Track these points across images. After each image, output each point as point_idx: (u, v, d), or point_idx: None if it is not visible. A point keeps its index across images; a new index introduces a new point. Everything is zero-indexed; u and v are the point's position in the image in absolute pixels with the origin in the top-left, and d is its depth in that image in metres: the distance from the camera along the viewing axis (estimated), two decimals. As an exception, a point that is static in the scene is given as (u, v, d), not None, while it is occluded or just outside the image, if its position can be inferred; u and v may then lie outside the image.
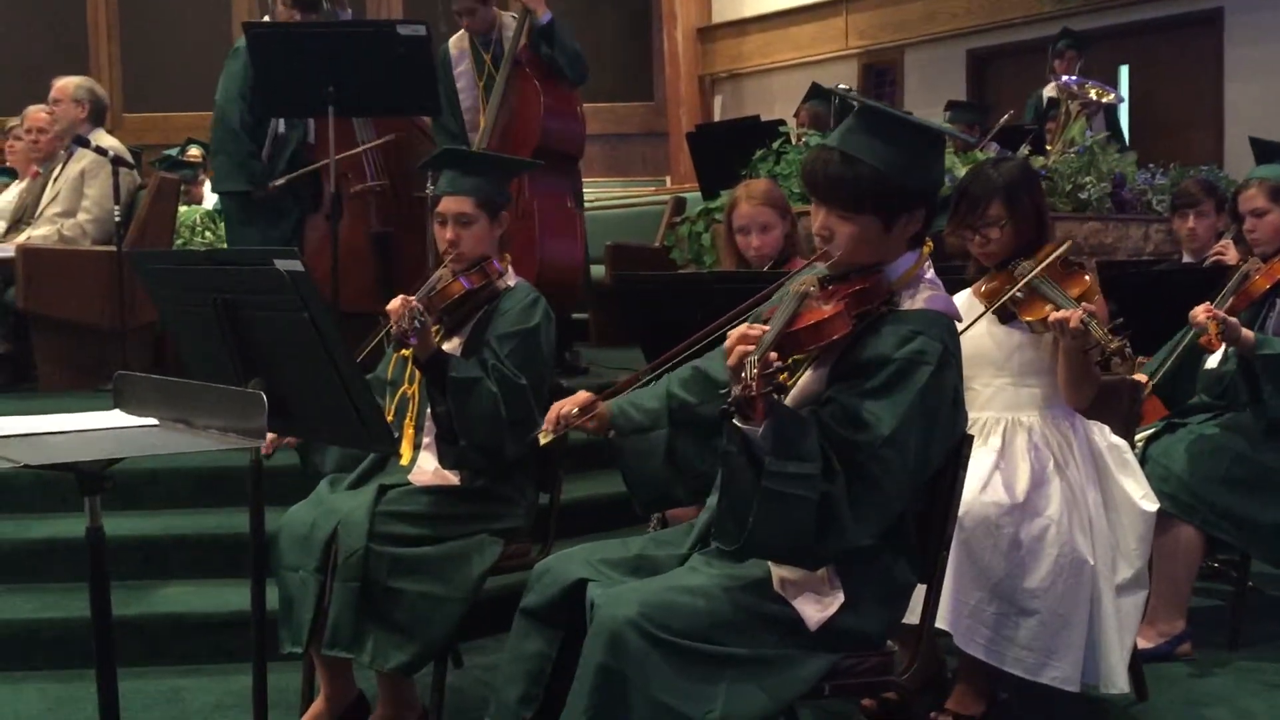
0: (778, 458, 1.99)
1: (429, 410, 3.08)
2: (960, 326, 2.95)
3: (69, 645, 3.52)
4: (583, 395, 2.47)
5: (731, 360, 1.99)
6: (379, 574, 2.90)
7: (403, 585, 2.91)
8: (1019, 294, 2.93)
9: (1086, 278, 2.96)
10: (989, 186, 2.96)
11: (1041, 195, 3.10)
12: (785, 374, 2.03)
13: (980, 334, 2.98)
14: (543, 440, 2.46)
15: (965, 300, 3.05)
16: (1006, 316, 2.98)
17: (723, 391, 2.01)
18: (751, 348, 1.97)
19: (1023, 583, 2.78)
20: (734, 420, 1.98)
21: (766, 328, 2.04)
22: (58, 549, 3.82)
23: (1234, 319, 3.33)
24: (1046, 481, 2.87)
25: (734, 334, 2.02)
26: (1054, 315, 2.83)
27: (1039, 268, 2.93)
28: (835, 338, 2.11)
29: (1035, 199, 3.03)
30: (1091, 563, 2.83)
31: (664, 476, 2.46)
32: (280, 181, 5.04)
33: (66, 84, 5.73)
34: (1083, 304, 2.85)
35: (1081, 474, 2.91)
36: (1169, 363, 3.52)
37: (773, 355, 1.96)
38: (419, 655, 2.90)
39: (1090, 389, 2.95)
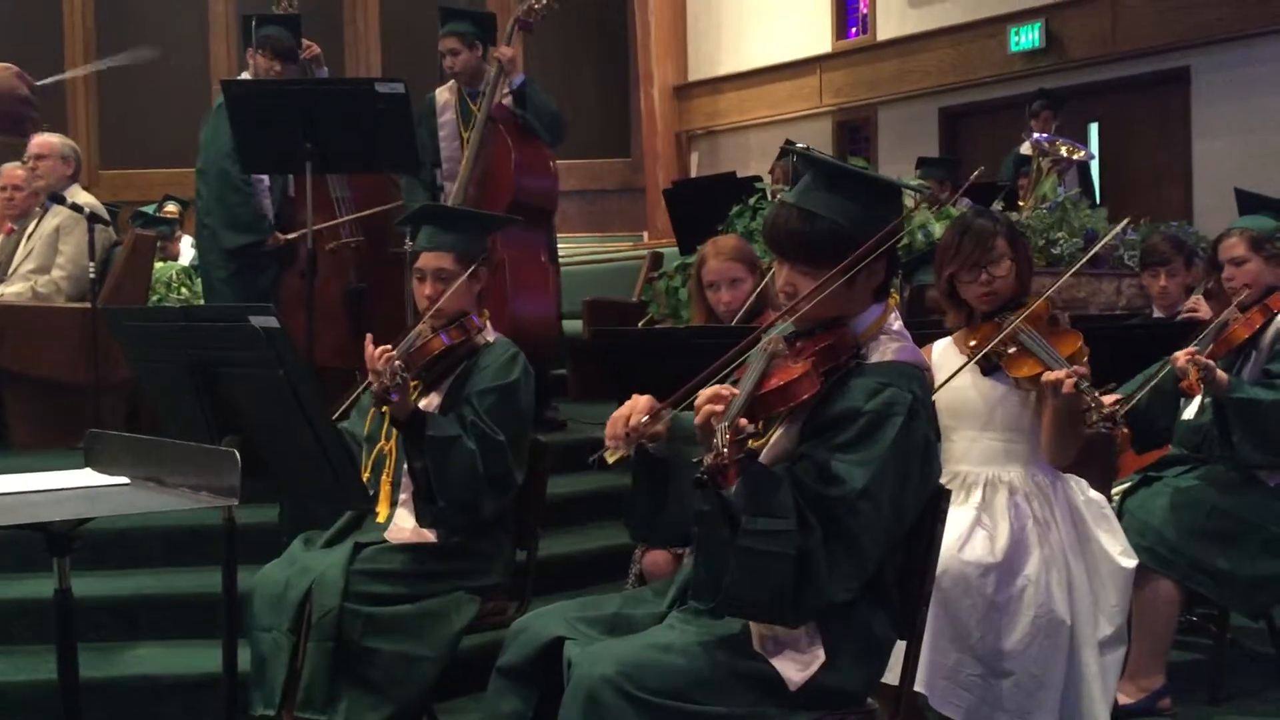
0: (752, 515, 1.98)
1: (405, 466, 3.06)
2: (944, 377, 2.95)
3: (37, 709, 3.44)
4: (645, 400, 2.15)
5: (699, 420, 1.98)
6: (353, 633, 2.86)
7: (378, 645, 2.88)
8: (1008, 349, 2.89)
9: (1078, 338, 2.93)
10: (990, 225, 2.95)
11: (1026, 246, 3.11)
12: (757, 438, 2.00)
13: (964, 385, 2.96)
14: (611, 459, 2.15)
15: (945, 349, 3.03)
16: (990, 369, 2.95)
17: (695, 460, 1.99)
18: (721, 409, 1.97)
19: (999, 643, 2.75)
20: (706, 488, 1.97)
21: (736, 390, 2.04)
22: (25, 610, 3.74)
23: (1214, 363, 3.35)
24: (1026, 540, 2.84)
25: (704, 395, 2.01)
26: (1047, 376, 2.80)
27: (1022, 314, 2.90)
28: (804, 398, 2.11)
29: (1024, 246, 3.04)
30: (1068, 623, 2.80)
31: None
32: (293, 236, 5.07)
33: (52, 141, 5.70)
34: (1075, 366, 2.82)
35: (1062, 532, 2.88)
36: (1145, 392, 3.45)
37: (743, 421, 1.96)
38: (394, 716, 2.86)
39: (1074, 448, 2.93)
